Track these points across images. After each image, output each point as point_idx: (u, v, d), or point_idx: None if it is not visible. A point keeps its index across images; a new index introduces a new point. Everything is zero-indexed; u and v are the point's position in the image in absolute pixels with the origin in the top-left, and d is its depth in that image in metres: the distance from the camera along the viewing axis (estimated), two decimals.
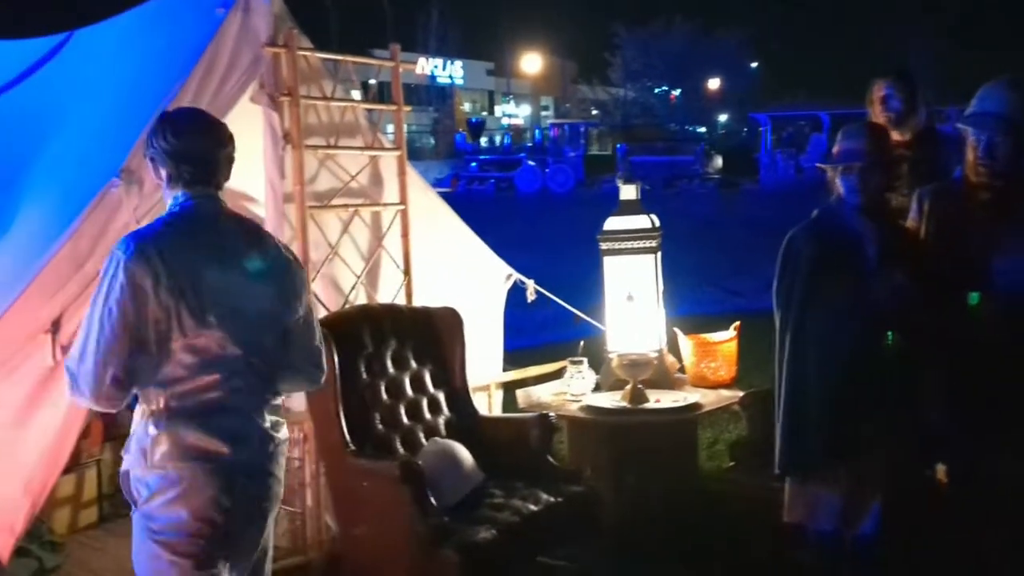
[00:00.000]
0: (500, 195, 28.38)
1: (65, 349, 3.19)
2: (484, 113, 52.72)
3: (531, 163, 31.31)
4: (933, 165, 3.79)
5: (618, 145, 33.34)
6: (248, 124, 3.95)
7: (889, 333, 2.93)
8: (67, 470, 4.22)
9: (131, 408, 2.47)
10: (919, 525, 3.03)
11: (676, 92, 45.07)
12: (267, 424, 2.46)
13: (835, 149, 3.10)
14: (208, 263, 2.35)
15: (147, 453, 2.35)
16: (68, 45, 4.44)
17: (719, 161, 31.87)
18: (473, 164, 31.99)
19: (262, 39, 3.80)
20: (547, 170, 31.01)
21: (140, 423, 2.39)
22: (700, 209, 19.54)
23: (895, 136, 3.91)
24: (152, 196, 3.46)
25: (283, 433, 2.53)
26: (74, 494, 4.27)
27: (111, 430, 4.44)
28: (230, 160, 2.52)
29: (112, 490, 4.45)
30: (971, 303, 2.93)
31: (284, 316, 2.48)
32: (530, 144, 37.85)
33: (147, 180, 3.45)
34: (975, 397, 2.94)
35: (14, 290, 3.16)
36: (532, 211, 22.15)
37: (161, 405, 2.35)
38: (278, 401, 2.54)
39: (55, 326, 3.20)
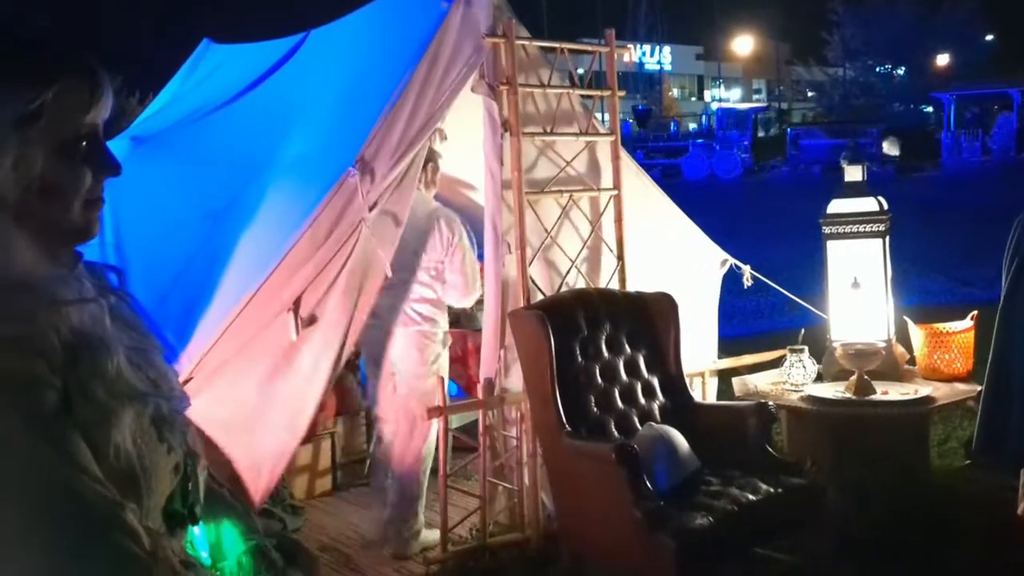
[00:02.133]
0: (666, 182, 27.78)
1: (306, 323, 3.44)
2: (692, 98, 51.78)
3: (720, 146, 30.37)
4: None
5: (788, 129, 31.82)
6: (469, 113, 4.09)
7: None
8: (304, 440, 4.55)
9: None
10: None
11: (899, 70, 42.43)
12: (411, 315, 3.99)
13: None
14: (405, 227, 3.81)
15: None
16: (305, 44, 4.73)
17: (896, 144, 29.76)
18: (638, 151, 31.43)
19: (482, 30, 3.90)
20: (713, 156, 30.12)
21: None
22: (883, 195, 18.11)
23: None
24: (381, 185, 3.65)
25: (420, 327, 4.01)
26: (311, 463, 4.59)
27: (344, 405, 4.74)
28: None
29: (345, 460, 4.75)
30: None
31: (431, 258, 4.00)
32: (697, 129, 37.01)
33: (379, 170, 3.65)
34: None
35: (263, 272, 3.42)
36: (701, 198, 21.45)
37: None
38: (420, 305, 4.00)
39: (296, 304, 3.45)
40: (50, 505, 0.91)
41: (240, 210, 3.87)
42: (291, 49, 4.79)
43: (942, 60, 42.06)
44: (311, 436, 4.38)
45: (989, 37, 42.84)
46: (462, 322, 4.80)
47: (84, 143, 1.07)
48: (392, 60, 4.01)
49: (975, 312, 4.29)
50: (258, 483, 3.45)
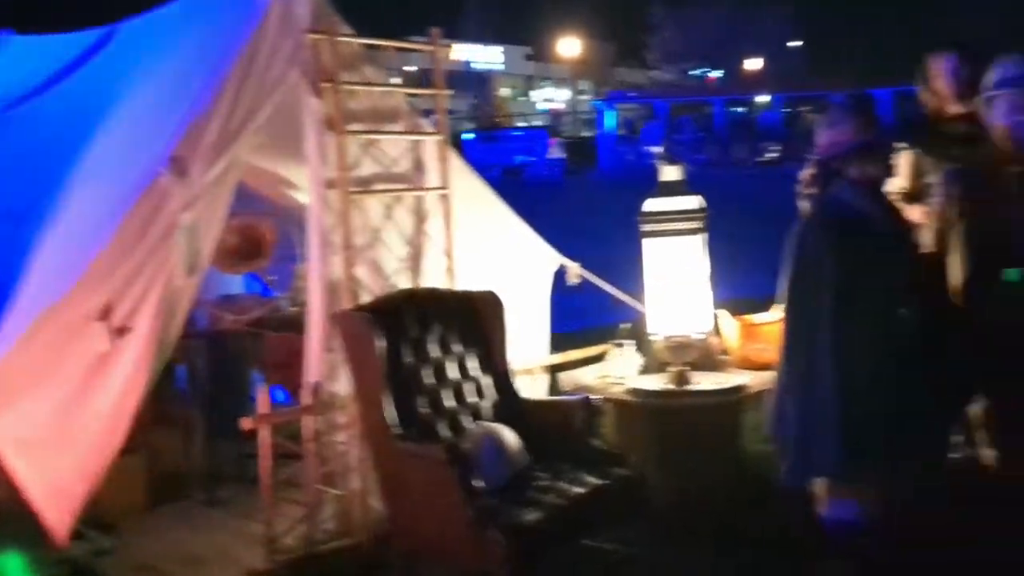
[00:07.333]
0: None
1: (120, 333, 3.26)
2: (521, 98, 52.59)
3: None
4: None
5: (463, 131, 33.11)
6: (291, 110, 3.98)
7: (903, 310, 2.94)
8: (118, 455, 4.31)
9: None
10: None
11: (717, 74, 44.57)
12: None
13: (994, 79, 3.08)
14: None
15: None
16: (116, 38, 4.50)
17: (559, 148, 32.00)
18: None
19: (303, 26, 3.83)
20: None
21: None
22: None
23: (954, 109, 3.84)
24: (197, 186, 3.52)
25: None
26: (124, 479, 4.34)
27: (161, 416, 4.52)
28: None
29: (162, 475, 4.53)
30: (1010, 279, 2.91)
31: None
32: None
33: (194, 171, 3.51)
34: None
35: (69, 279, 3.22)
36: None
37: None
38: None
39: (107, 313, 3.26)
40: None
41: (43, 212, 3.64)
42: (99, 42, 4.54)
43: (755, 64, 44.49)
44: (124, 450, 4.14)
45: (798, 43, 45.67)
46: (287, 327, 4.68)
47: None
48: (208, 56, 3.87)
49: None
50: (68, 504, 3.25)
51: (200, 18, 4.24)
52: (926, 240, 3.24)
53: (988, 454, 3.16)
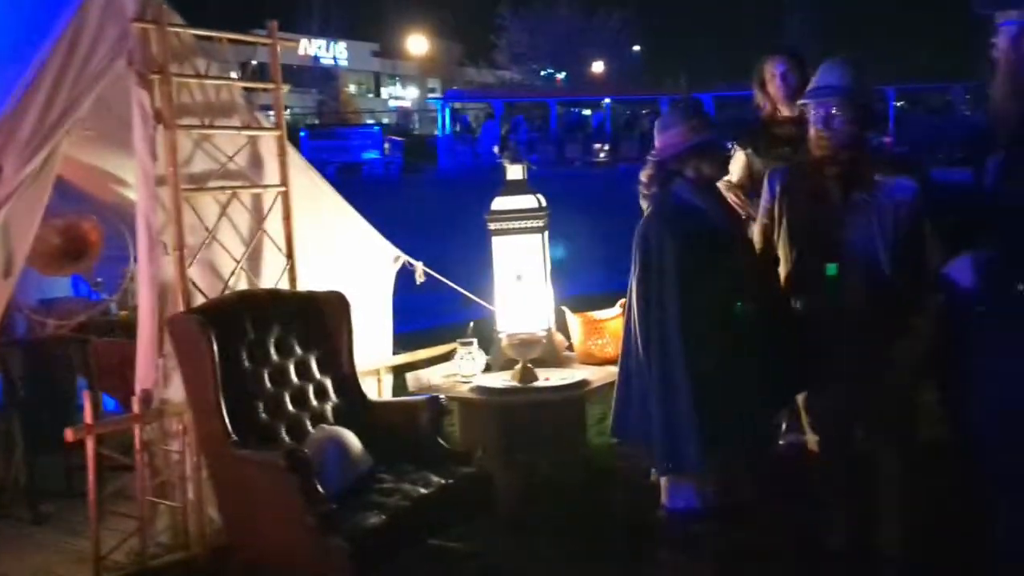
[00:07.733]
0: None
1: None
2: (370, 95, 52.07)
3: None
4: None
5: (301, 130, 33.12)
6: (118, 103, 3.78)
7: (739, 303, 3.07)
8: None
9: None
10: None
11: (562, 75, 45.43)
12: None
13: (813, 85, 3.19)
14: None
15: None
16: None
17: (392, 146, 32.48)
18: None
19: (129, 14, 3.64)
20: None
21: None
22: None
23: (786, 112, 4.03)
24: (11, 183, 3.29)
25: None
26: None
27: None
28: None
29: None
30: (829, 274, 3.08)
31: None
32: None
33: (6, 167, 3.28)
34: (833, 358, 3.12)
35: None
36: None
37: None
38: None
39: None
40: None
41: None
42: None
43: (597, 67, 45.61)
44: None
45: (637, 48, 47.09)
46: (116, 332, 4.44)
47: None
48: (23, 44, 3.61)
49: (623, 300, 4.64)
50: None
51: (13, 2, 3.97)
52: (755, 237, 3.38)
53: (812, 439, 3.32)
